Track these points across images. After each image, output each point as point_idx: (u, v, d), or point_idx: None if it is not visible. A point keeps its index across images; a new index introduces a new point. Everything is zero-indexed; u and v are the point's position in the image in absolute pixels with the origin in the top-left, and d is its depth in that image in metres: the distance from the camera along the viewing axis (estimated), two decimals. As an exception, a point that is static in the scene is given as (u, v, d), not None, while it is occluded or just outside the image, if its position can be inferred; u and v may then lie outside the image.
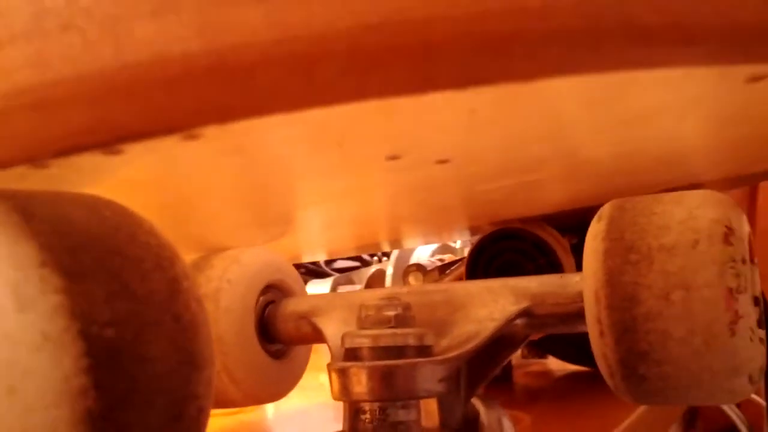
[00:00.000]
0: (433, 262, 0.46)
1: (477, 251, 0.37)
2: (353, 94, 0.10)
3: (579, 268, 0.22)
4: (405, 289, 0.26)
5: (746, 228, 0.20)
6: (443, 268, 0.44)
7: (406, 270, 0.44)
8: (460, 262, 0.43)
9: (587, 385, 0.45)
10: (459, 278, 0.41)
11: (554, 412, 0.41)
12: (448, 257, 0.48)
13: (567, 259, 0.31)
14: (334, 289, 0.57)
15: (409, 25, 0.09)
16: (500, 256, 0.36)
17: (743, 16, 0.10)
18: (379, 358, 0.21)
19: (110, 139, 0.12)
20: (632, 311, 0.19)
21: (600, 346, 0.20)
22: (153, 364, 0.12)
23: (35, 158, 0.12)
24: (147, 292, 0.12)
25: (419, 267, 0.44)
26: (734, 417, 0.85)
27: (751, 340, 0.18)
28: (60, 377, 0.10)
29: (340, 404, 0.23)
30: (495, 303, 0.24)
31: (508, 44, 0.10)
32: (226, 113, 0.11)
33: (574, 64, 0.10)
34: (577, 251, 0.32)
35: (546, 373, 0.52)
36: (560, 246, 0.30)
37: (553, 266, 0.30)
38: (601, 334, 0.19)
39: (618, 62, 0.11)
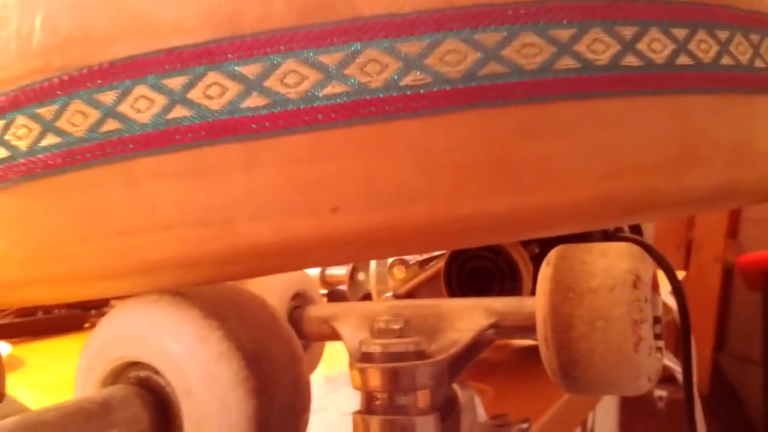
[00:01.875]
0: (414, 257, 0.53)
1: (456, 253, 0.45)
2: (351, 258, 0.18)
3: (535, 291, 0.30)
4: (404, 303, 0.34)
5: (650, 272, 0.28)
6: (423, 263, 0.52)
7: (391, 264, 0.52)
8: (438, 258, 0.50)
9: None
10: (437, 272, 0.48)
11: (513, 382, 0.49)
12: (428, 249, 0.56)
13: (528, 283, 0.39)
14: (323, 270, 0.65)
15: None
16: (476, 260, 0.44)
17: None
18: (389, 361, 0.29)
19: (224, 280, 0.20)
20: (568, 333, 0.27)
21: (546, 355, 0.28)
22: (277, 360, 0.20)
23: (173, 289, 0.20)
24: (261, 321, 0.20)
25: (402, 261, 0.52)
26: (672, 365, 0.94)
27: (650, 354, 0.27)
28: (233, 373, 0.18)
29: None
30: (471, 317, 0.32)
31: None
32: (288, 268, 0.19)
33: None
34: (538, 261, 0.40)
35: (505, 346, 0.60)
36: (527, 270, 0.38)
37: (516, 290, 0.38)
38: (547, 347, 0.27)
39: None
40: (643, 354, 0.27)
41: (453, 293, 0.46)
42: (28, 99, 0.19)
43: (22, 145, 0.19)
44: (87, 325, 0.78)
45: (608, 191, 0.17)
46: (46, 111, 0.19)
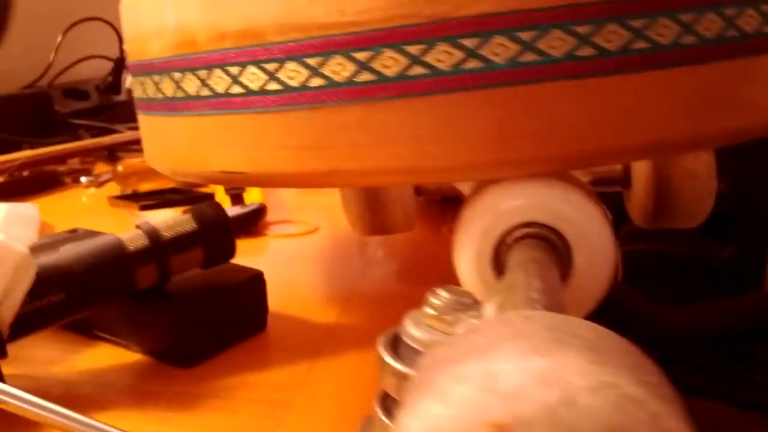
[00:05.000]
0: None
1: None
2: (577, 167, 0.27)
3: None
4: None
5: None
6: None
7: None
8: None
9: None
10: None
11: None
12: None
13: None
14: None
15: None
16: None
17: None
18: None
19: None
20: (666, 186, 0.38)
21: (643, 201, 0.39)
22: (600, 204, 0.29)
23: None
24: (583, 183, 0.29)
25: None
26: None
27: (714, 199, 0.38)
28: (600, 209, 0.28)
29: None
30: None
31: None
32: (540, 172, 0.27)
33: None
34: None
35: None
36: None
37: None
38: (647, 195, 0.38)
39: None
40: (711, 199, 0.38)
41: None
42: (396, 37, 0.26)
43: (389, 72, 0.26)
44: (68, 180, 0.78)
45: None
46: (414, 48, 0.26)
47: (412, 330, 0.21)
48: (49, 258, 0.31)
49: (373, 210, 0.42)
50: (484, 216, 0.28)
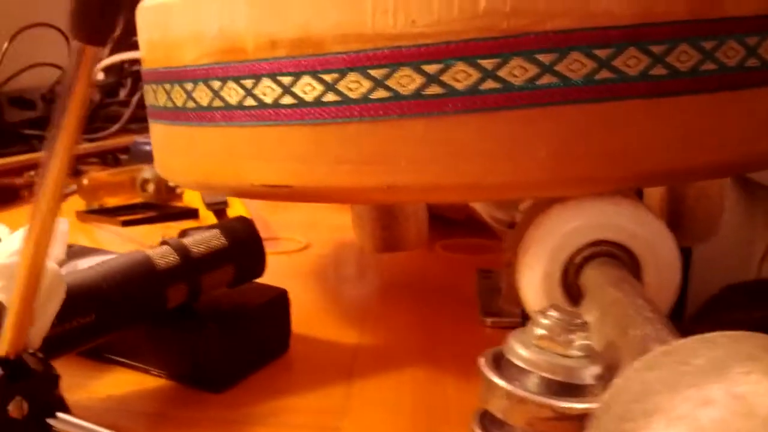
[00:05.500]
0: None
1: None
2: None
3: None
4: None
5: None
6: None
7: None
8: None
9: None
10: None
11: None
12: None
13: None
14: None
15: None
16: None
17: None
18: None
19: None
20: (681, 205, 0.39)
21: (657, 220, 0.39)
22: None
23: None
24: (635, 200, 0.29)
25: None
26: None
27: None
28: (664, 225, 0.28)
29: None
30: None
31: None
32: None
33: None
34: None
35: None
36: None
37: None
38: (662, 214, 0.39)
39: None
40: (721, 219, 0.39)
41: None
42: (470, 50, 0.25)
43: (460, 85, 0.25)
44: (26, 194, 0.71)
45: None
46: (487, 62, 0.25)
47: (521, 350, 0.21)
48: (76, 277, 0.29)
49: (387, 226, 0.42)
50: (552, 236, 0.28)
